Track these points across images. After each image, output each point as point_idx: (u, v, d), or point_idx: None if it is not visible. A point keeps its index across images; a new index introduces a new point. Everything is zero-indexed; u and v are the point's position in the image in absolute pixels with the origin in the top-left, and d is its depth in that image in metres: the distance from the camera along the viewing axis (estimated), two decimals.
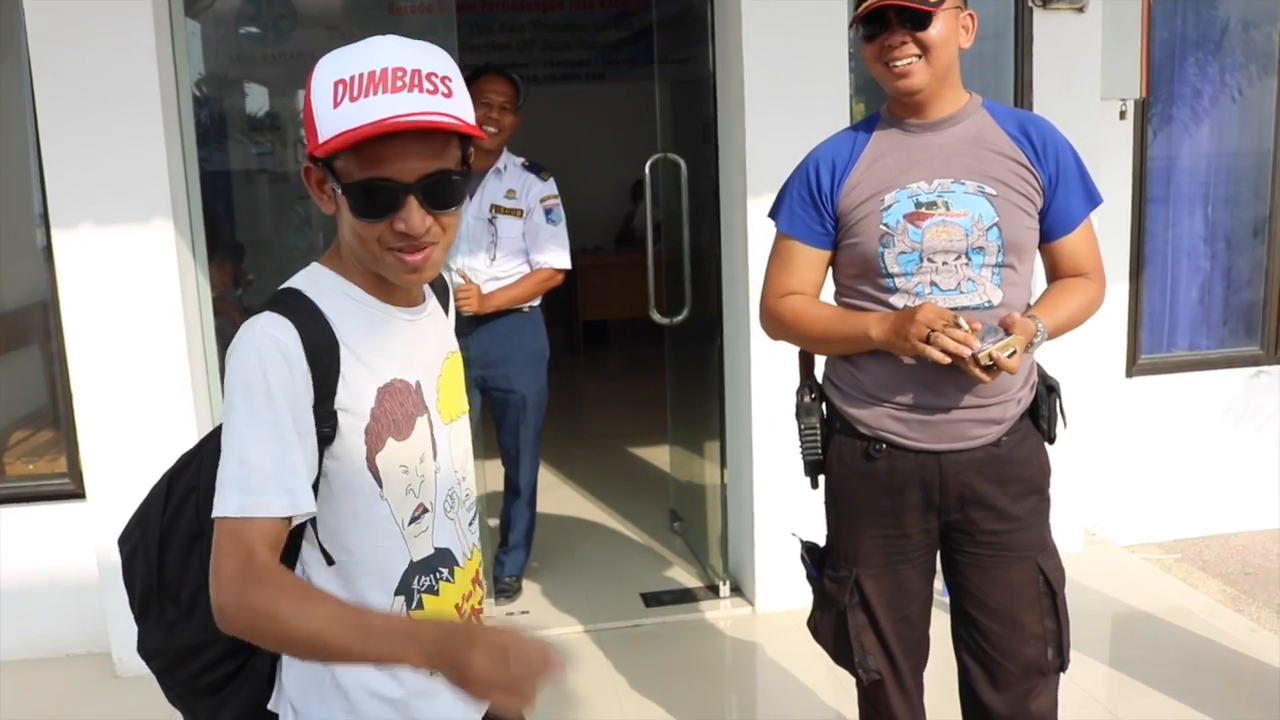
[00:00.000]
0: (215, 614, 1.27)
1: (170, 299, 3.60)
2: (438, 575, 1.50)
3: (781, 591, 3.97)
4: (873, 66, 2.15)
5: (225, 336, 3.94)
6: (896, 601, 2.28)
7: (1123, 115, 4.40)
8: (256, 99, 6.85)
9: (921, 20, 2.06)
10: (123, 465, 3.58)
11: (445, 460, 1.52)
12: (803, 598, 3.90)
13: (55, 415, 4.01)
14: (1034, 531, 2.25)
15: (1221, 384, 4.81)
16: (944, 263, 2.12)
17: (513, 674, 1.15)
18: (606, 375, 8.99)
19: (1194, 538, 4.82)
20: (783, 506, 3.86)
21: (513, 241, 3.92)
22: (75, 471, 3.82)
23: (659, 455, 5.82)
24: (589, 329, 9.53)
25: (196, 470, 1.50)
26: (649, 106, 4.52)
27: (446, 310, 1.64)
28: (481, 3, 9.12)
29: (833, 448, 2.30)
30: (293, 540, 1.41)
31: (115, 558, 3.47)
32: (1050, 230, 2.22)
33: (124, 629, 3.62)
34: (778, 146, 3.57)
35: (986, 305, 2.14)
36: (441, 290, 1.65)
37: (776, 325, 2.32)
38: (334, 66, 1.32)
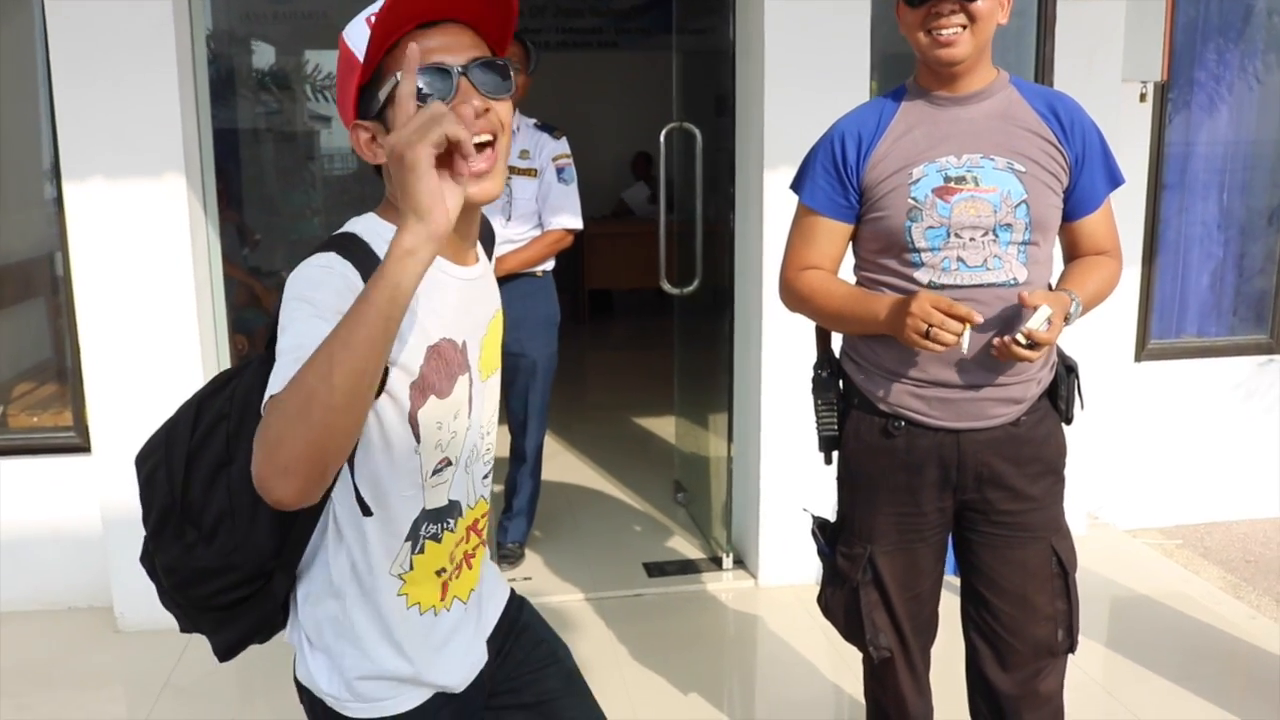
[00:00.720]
0: (257, 482, 1.18)
1: (181, 253, 3.58)
2: (444, 525, 1.52)
3: (784, 565, 3.97)
4: (912, 35, 2.12)
5: (228, 295, 3.92)
6: (909, 580, 2.27)
7: (1143, 98, 4.37)
8: (265, 56, 6.85)
9: None
10: (129, 420, 3.57)
11: (476, 417, 1.53)
12: (805, 572, 4.00)
13: (61, 368, 3.99)
14: (1049, 512, 2.24)
15: (1229, 371, 4.79)
16: (971, 239, 2.10)
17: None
18: (611, 344, 8.97)
19: (1195, 524, 4.82)
20: (789, 480, 3.87)
21: (527, 203, 3.89)
22: (81, 425, 3.81)
23: (664, 426, 5.81)
24: (594, 298, 9.50)
25: (229, 398, 1.48)
26: (657, 77, 4.50)
27: (490, 256, 1.64)
28: None
29: (849, 424, 2.29)
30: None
31: (120, 512, 3.51)
32: (1073, 209, 2.21)
33: (126, 583, 3.65)
34: (796, 119, 3.61)
35: (1011, 283, 2.12)
36: (489, 239, 1.66)
37: (794, 298, 2.31)
38: (353, 23, 1.37)
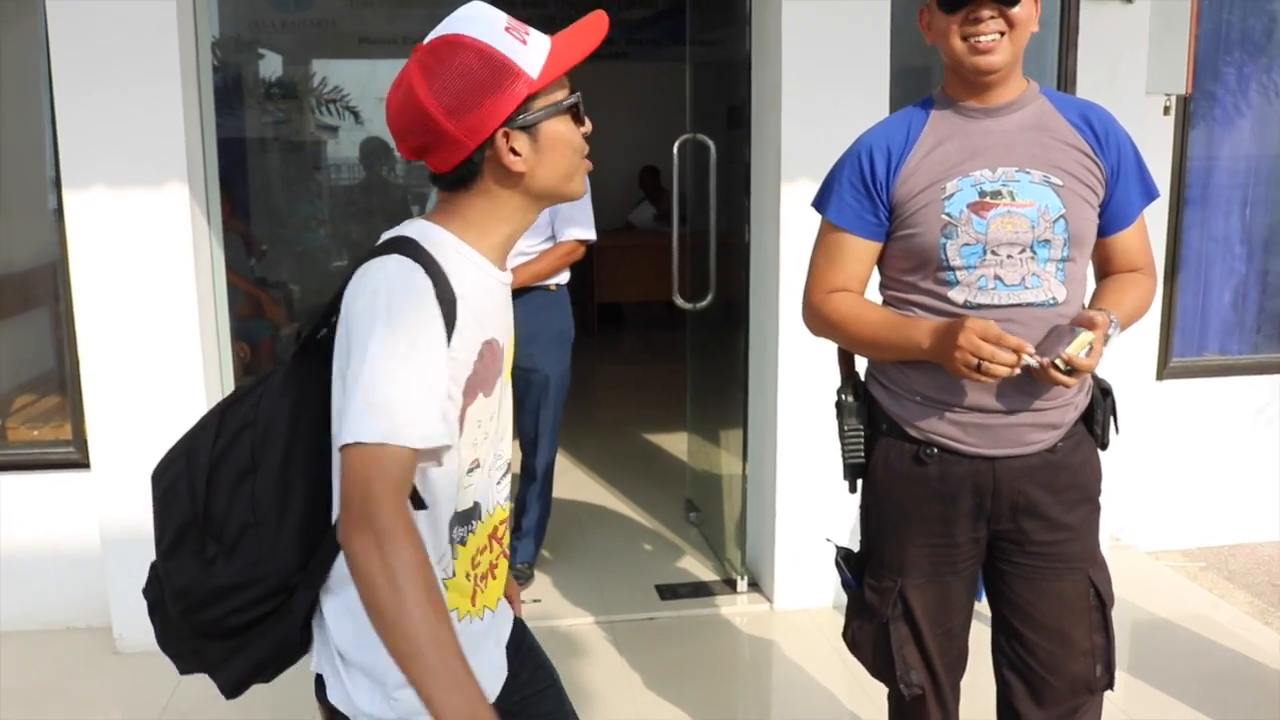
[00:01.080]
0: (344, 537, 1.29)
1: (183, 265, 3.50)
2: (468, 528, 1.52)
3: (801, 589, 3.88)
4: (946, 42, 2.03)
5: (232, 307, 3.85)
6: (941, 614, 2.17)
7: (1167, 110, 4.28)
8: (273, 65, 6.80)
9: None
10: (129, 435, 3.49)
11: (502, 417, 1.58)
12: (823, 596, 3.91)
13: (62, 380, 3.91)
14: (1086, 542, 2.15)
15: (1252, 390, 4.70)
16: (1008, 255, 2.01)
17: None
18: (621, 358, 8.89)
19: (1219, 546, 4.71)
20: (806, 500, 3.78)
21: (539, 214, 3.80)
22: (80, 440, 3.72)
23: (675, 443, 5.71)
24: (603, 311, 9.43)
25: (255, 405, 1.47)
26: (666, 88, 4.43)
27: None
28: None
29: (878, 451, 2.19)
30: None
31: (120, 530, 3.43)
32: (1108, 224, 2.13)
33: (126, 604, 3.55)
34: (814, 130, 3.55)
35: (1050, 302, 2.03)
36: None
37: (822, 324, 2.20)
38: (487, 24, 1.43)
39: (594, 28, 1.49)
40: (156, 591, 1.53)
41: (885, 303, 2.19)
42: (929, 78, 4.15)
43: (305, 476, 1.44)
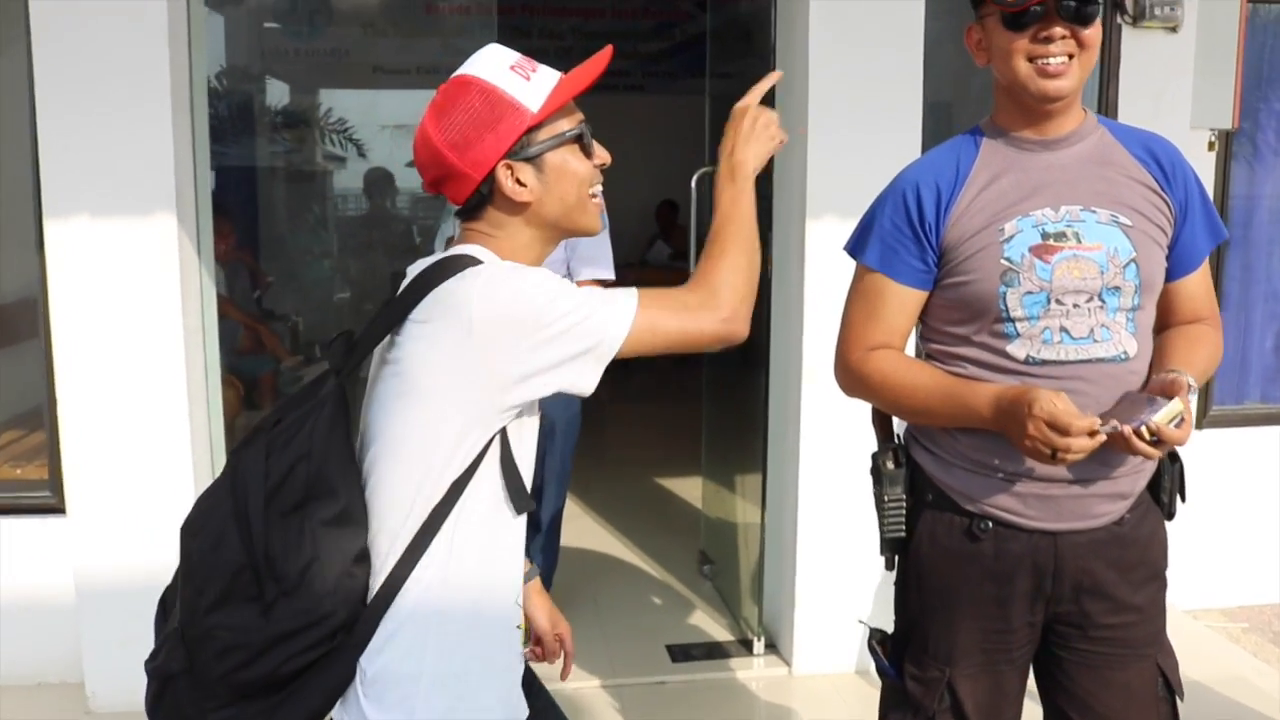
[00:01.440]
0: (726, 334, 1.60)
1: (169, 300, 3.31)
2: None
3: (822, 651, 3.65)
4: (1008, 63, 1.81)
5: (228, 341, 3.68)
6: (993, 708, 1.92)
7: (1211, 146, 4.08)
8: (280, 94, 6.72)
9: (1087, 15, 1.76)
10: (108, 480, 3.30)
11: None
12: (845, 660, 3.68)
13: (48, 418, 3.73)
14: (1154, 625, 1.93)
15: None
16: (1074, 305, 1.79)
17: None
18: (630, 396, 8.66)
19: (1263, 605, 4.46)
20: (829, 554, 3.57)
21: (553, 251, 3.61)
22: (57, 484, 3.52)
23: (688, 488, 5.49)
24: None
25: (308, 437, 1.45)
26: (682, 121, 4.29)
27: None
28: (521, 6, 8.91)
29: (922, 524, 1.95)
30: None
31: (96, 581, 3.26)
32: (1173, 268, 1.92)
33: (100, 660, 3.35)
34: (842, 164, 3.38)
35: (1121, 357, 1.81)
36: None
37: (860, 386, 1.97)
38: (495, 65, 1.54)
39: (597, 60, 1.58)
40: (178, 661, 1.46)
41: (928, 357, 1.97)
42: (952, 114, 3.99)
43: (362, 506, 1.47)
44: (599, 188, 1.62)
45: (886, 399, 1.95)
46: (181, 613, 1.47)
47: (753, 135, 1.66)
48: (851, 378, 1.97)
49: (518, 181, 1.53)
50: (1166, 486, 1.95)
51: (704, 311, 1.54)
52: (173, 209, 3.28)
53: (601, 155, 1.61)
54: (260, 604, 1.41)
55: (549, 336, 1.45)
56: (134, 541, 3.28)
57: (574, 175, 1.56)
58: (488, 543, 1.51)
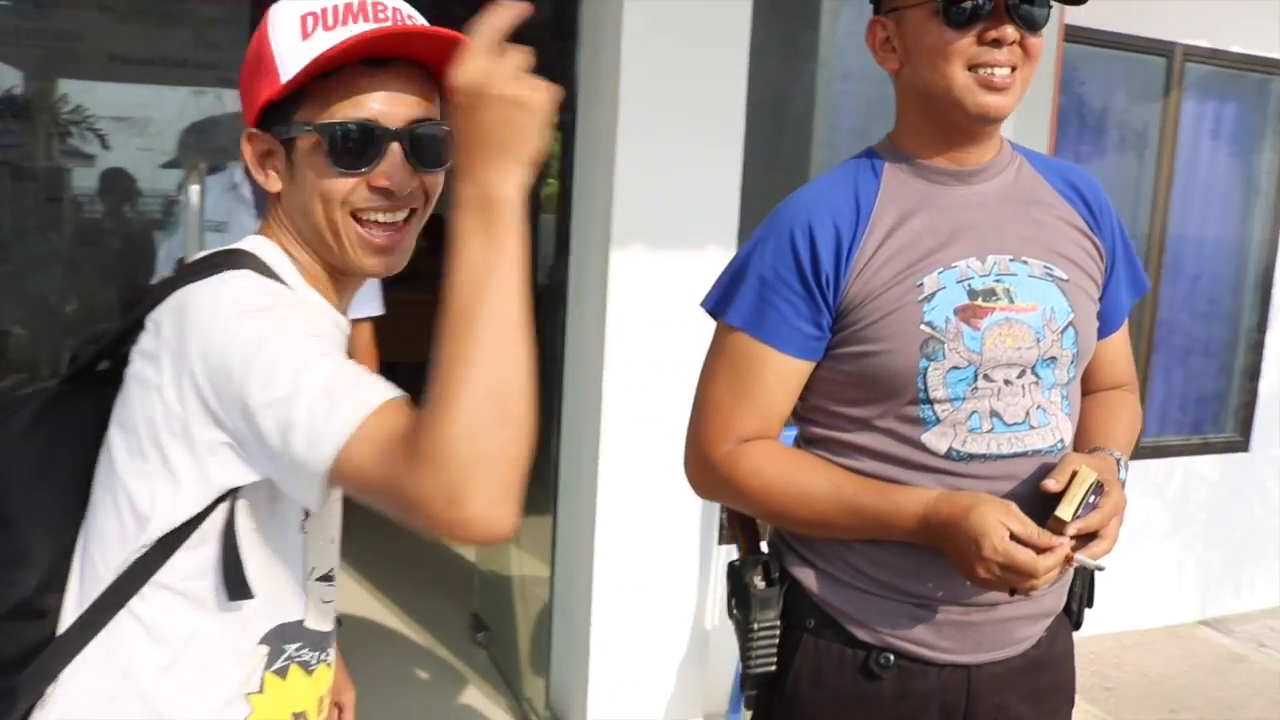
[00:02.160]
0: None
1: None
2: (322, 656, 1.29)
3: None
4: (938, 69, 1.44)
5: None
6: None
7: None
8: (4, 80, 5.98)
9: (1039, 19, 1.44)
10: None
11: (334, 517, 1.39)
12: None
13: None
14: None
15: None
16: (1005, 381, 1.47)
17: None
18: None
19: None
20: (631, 618, 3.25)
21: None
22: None
23: None
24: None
25: None
26: None
27: None
28: None
29: (801, 657, 1.55)
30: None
31: None
32: (1099, 327, 1.63)
33: None
34: (654, 177, 3.01)
35: (1059, 446, 1.50)
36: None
37: (728, 490, 1.56)
38: (298, 5, 1.19)
39: (429, 31, 1.16)
40: None
41: (806, 443, 1.58)
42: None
43: (47, 536, 1.18)
44: (386, 215, 1.19)
45: (767, 509, 1.55)
46: None
47: (506, 124, 0.99)
48: (714, 479, 1.55)
49: (261, 158, 1.22)
50: (1077, 592, 1.65)
51: (420, 476, 0.96)
52: None
53: (385, 176, 1.16)
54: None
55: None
56: None
57: (312, 186, 1.18)
58: (199, 615, 1.16)
